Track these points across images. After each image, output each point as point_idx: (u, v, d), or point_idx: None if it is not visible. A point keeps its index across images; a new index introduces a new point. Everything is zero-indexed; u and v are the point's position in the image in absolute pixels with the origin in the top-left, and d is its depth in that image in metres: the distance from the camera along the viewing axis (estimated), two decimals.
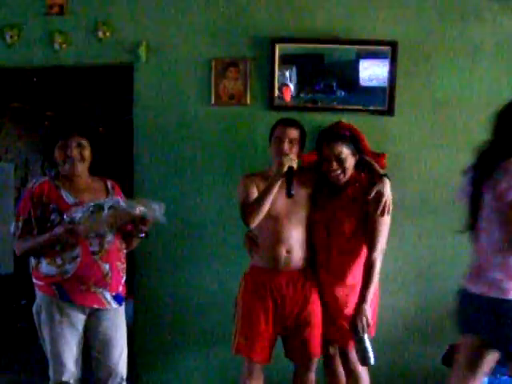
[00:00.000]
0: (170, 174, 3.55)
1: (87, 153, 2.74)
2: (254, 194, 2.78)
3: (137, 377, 3.57)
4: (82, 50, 3.55)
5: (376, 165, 2.89)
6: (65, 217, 2.57)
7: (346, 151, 2.77)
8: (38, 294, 2.71)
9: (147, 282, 3.59)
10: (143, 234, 2.73)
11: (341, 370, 2.96)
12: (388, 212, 2.75)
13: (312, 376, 2.92)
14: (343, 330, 2.82)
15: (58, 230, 2.57)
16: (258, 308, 2.79)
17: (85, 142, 2.74)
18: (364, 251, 2.81)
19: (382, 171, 2.86)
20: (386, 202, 2.73)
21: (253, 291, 2.82)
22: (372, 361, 2.77)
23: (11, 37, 3.56)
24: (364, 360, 2.77)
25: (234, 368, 3.50)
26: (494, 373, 2.96)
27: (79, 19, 3.53)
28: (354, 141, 2.85)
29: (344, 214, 2.80)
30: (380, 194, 2.73)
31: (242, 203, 2.80)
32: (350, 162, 2.79)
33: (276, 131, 2.84)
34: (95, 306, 2.69)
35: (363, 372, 2.89)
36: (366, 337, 2.75)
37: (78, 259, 2.63)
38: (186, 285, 3.56)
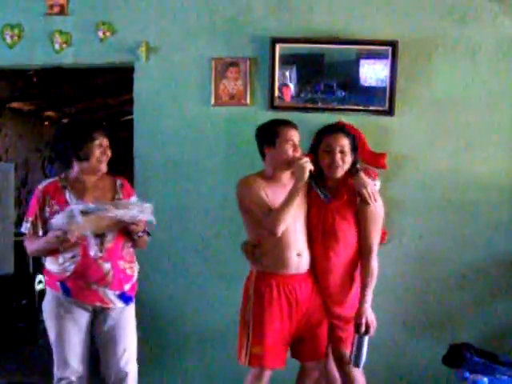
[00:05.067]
0: (170, 174, 3.55)
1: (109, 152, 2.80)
2: (266, 199, 2.73)
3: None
4: (82, 49, 3.55)
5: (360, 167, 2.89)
6: (52, 221, 2.62)
7: (348, 145, 2.78)
8: (47, 289, 2.78)
9: (147, 283, 3.58)
10: (140, 234, 2.76)
11: (335, 371, 2.92)
12: (375, 199, 2.73)
13: (318, 374, 2.89)
14: (339, 330, 2.81)
15: (51, 235, 2.60)
16: (274, 315, 2.73)
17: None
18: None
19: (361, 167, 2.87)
20: (370, 190, 2.73)
21: (266, 298, 2.74)
22: (362, 365, 2.73)
23: (11, 37, 3.56)
24: (356, 361, 2.73)
25: (234, 369, 3.51)
26: (494, 373, 2.96)
27: (79, 19, 3.53)
28: (355, 142, 2.85)
29: (340, 216, 2.77)
30: (361, 185, 2.74)
31: (260, 211, 2.71)
32: (349, 159, 2.79)
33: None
34: (98, 304, 2.71)
35: (359, 374, 2.85)
36: (366, 339, 2.72)
37: (77, 258, 2.65)
38: (185, 286, 3.55)
